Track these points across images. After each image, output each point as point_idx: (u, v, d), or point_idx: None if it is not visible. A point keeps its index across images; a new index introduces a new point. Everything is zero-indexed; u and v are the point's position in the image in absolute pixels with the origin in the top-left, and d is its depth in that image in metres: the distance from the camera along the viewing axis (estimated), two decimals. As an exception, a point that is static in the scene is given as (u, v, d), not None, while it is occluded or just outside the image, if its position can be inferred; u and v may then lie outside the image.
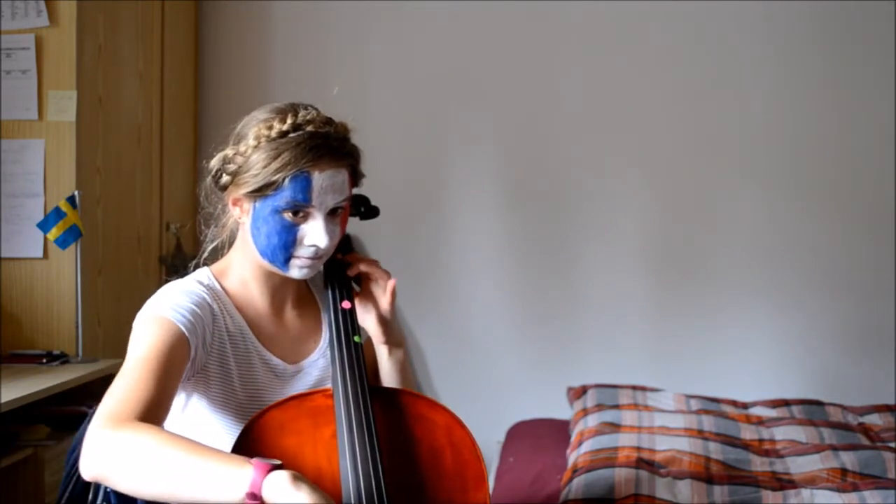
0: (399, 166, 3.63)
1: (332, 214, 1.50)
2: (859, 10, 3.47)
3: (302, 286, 1.65)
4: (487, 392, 3.62)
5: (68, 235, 2.70)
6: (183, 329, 1.41)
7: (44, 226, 2.69)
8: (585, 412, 2.93)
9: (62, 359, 2.74)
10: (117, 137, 3.10)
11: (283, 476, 1.16)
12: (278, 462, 1.19)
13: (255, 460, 1.18)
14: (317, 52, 3.66)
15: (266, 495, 1.15)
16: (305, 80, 3.49)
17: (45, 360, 2.70)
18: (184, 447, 1.20)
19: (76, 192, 2.74)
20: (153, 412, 1.28)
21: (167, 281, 1.56)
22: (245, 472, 1.16)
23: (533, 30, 3.61)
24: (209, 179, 1.55)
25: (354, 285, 1.64)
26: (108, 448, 1.21)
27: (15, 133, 2.82)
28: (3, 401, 2.27)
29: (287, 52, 3.67)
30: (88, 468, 1.23)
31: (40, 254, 2.82)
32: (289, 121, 1.47)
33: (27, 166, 2.81)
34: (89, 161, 2.91)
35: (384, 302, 1.59)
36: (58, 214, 2.68)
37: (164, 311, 1.43)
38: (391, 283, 1.59)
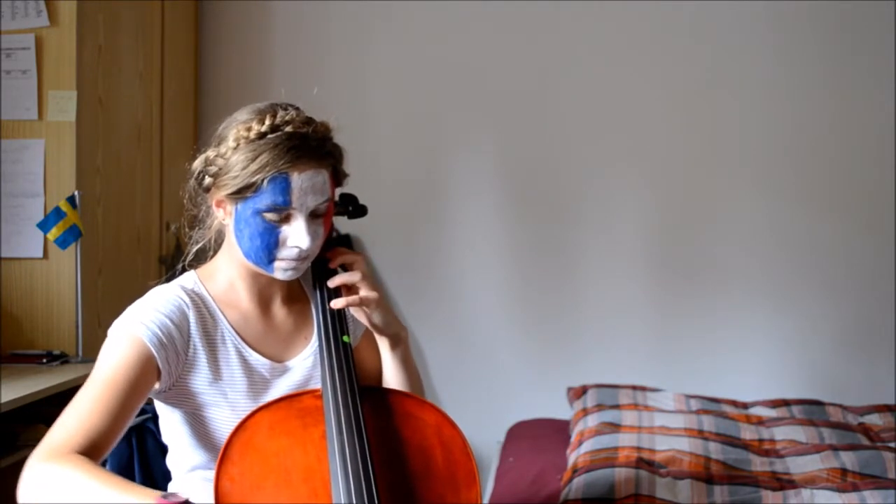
0: (399, 166, 3.63)
1: (314, 215, 1.49)
2: (859, 10, 3.46)
3: (293, 283, 1.64)
4: (487, 392, 3.62)
5: (68, 235, 2.71)
6: (150, 347, 1.43)
7: (44, 226, 2.69)
8: (585, 412, 2.92)
9: (62, 359, 2.75)
10: (117, 137, 3.10)
11: None
12: (184, 498, 1.19)
13: (160, 496, 1.19)
14: (317, 52, 3.65)
15: None
16: (305, 80, 3.52)
17: (45, 360, 2.71)
18: (100, 480, 1.23)
19: (76, 192, 2.74)
20: (98, 443, 1.32)
21: (163, 282, 1.57)
22: None
23: (533, 30, 3.60)
24: (192, 181, 1.54)
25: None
26: (36, 481, 1.26)
27: (15, 133, 2.82)
28: (3, 401, 2.28)
29: (287, 52, 3.67)
30: (20, 500, 1.27)
31: (40, 254, 2.82)
32: (267, 122, 1.46)
33: (27, 166, 2.82)
34: (89, 161, 2.92)
35: (362, 292, 1.54)
36: (58, 214, 2.69)
37: (135, 326, 1.45)
38: (357, 277, 1.54)
